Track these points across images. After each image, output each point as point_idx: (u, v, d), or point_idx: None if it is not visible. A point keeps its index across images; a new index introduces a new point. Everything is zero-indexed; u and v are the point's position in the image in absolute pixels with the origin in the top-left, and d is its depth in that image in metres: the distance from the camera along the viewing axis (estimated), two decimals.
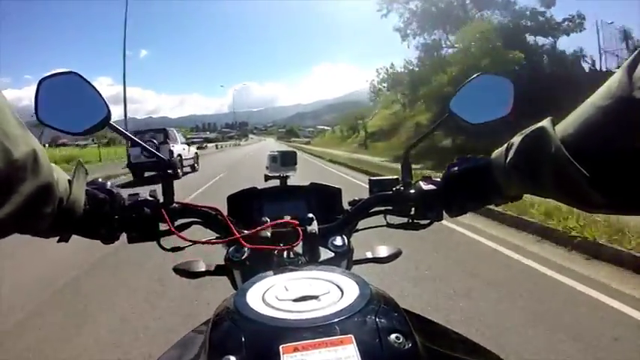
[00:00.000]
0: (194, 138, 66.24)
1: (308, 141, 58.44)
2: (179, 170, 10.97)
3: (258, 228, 0.57)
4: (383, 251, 0.73)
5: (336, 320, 0.32)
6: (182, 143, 12.42)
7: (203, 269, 0.66)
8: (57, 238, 0.48)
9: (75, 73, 0.51)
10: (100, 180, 0.54)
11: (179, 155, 11.26)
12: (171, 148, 10.78)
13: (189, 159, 12.74)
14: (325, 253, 0.59)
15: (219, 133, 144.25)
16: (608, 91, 0.32)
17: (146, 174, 10.63)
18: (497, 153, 0.47)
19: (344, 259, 0.61)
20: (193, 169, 13.05)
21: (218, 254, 0.63)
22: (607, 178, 0.32)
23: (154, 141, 10.32)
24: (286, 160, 0.83)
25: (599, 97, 0.33)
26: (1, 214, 0.32)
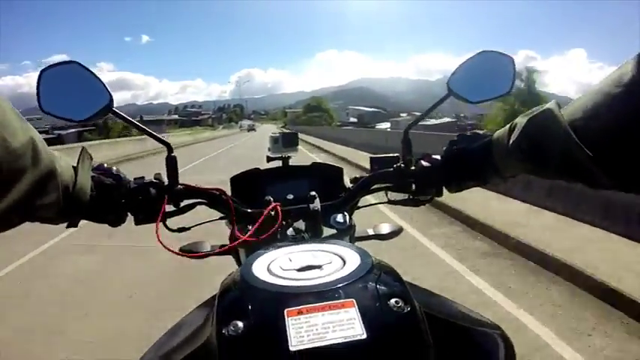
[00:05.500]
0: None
1: None
2: (254, 130, 53.68)
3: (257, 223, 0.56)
4: (384, 228, 0.77)
5: (338, 286, 0.34)
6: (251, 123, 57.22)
7: (209, 249, 0.67)
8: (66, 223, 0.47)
9: (76, 62, 0.52)
10: (105, 165, 0.54)
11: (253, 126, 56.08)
12: (251, 124, 53.72)
13: (252, 128, 54.99)
14: (328, 231, 0.62)
15: (181, 116, 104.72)
16: (619, 80, 0.32)
17: (249, 132, 49.40)
18: (499, 133, 0.48)
19: (346, 235, 0.63)
20: (253, 130, 51.80)
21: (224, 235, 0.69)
22: (613, 160, 0.33)
23: (252, 124, 56.38)
24: (288, 141, 0.84)
25: (609, 84, 0.33)
26: (4, 205, 0.32)
